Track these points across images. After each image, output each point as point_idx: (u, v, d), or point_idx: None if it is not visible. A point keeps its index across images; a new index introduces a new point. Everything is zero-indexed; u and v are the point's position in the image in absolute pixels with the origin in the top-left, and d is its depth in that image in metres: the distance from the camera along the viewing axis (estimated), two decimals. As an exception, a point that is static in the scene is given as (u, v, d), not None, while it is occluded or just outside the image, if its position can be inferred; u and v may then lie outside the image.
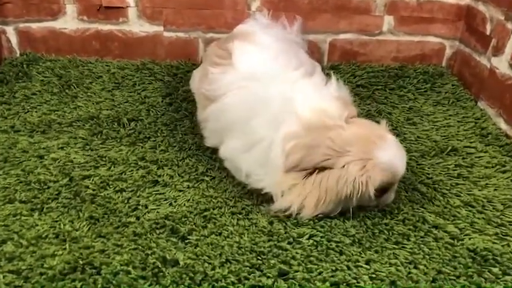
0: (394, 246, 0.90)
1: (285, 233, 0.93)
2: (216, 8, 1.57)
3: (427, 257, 0.87)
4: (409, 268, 0.84)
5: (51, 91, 1.42)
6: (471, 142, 1.28)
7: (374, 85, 1.54)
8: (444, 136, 1.31)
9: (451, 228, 0.95)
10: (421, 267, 0.84)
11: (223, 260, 0.84)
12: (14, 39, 1.57)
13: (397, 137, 1.26)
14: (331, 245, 0.89)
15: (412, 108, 1.45)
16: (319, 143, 0.92)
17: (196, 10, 1.57)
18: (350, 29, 1.63)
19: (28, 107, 1.34)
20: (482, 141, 1.28)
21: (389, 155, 0.93)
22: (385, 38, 1.65)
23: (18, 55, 1.57)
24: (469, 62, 1.56)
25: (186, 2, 1.56)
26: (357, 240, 0.91)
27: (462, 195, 1.07)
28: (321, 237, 0.91)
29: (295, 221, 0.96)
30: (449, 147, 1.24)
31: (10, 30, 1.55)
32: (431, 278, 0.82)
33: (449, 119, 1.40)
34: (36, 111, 1.32)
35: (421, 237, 0.93)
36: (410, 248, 0.89)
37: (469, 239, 0.92)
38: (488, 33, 1.46)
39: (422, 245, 0.90)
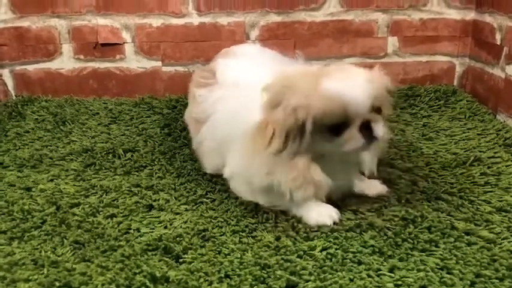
0: (420, 253, 0.78)
1: (294, 246, 0.81)
2: (214, 40, 1.53)
3: (461, 261, 0.75)
4: (441, 273, 0.72)
5: (45, 128, 1.36)
6: (495, 152, 1.17)
7: (383, 105, 1.46)
8: (465, 148, 1.20)
9: (485, 233, 0.84)
10: (455, 272, 0.72)
11: (222, 275, 0.73)
12: (10, 82, 1.54)
13: (413, 152, 1.19)
14: (347, 255, 0.77)
15: (427, 124, 1.35)
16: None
17: (194, 43, 1.54)
18: (353, 52, 1.58)
19: (19, 144, 1.27)
20: (508, 151, 1.18)
21: (334, 82, 0.81)
22: (391, 60, 1.59)
23: (13, 97, 1.54)
24: (482, 76, 1.48)
25: (183, 35, 1.53)
26: (377, 250, 0.79)
27: (493, 201, 0.95)
28: (336, 249, 0.80)
29: (305, 234, 0.85)
30: (472, 158, 1.13)
31: (6, 73, 1.53)
32: (469, 282, 0.69)
33: (468, 132, 1.30)
34: (27, 148, 1.26)
35: (451, 243, 0.80)
36: (441, 254, 0.77)
37: (508, 242, 0.80)
38: (498, 42, 1.39)
39: (453, 251, 0.78)
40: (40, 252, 0.83)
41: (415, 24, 1.55)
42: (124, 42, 1.53)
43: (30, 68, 1.53)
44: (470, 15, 1.53)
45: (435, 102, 1.48)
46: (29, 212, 0.95)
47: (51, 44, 1.52)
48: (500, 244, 0.80)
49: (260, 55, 1.16)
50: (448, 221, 0.88)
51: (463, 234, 0.83)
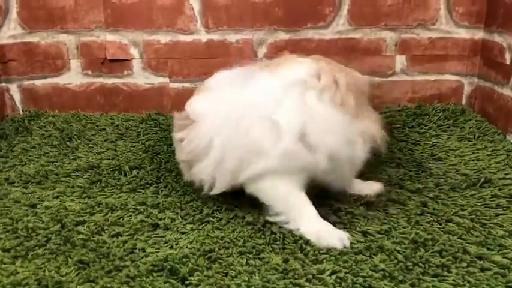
0: (432, 279, 0.76)
1: (303, 270, 0.79)
2: (222, 56, 1.53)
3: (475, 288, 0.73)
4: (455, 301, 0.70)
5: (51, 144, 1.35)
6: (506, 174, 1.15)
7: (392, 124, 1.44)
8: (475, 169, 1.19)
9: (498, 258, 0.81)
10: (470, 299, 0.70)
11: (229, 299, 0.71)
12: (17, 97, 1.54)
13: (422, 172, 1.17)
14: (357, 279, 0.76)
15: (436, 144, 1.34)
16: None
17: (202, 59, 1.54)
18: (361, 70, 1.55)
19: (25, 160, 1.27)
20: (519, 173, 1.16)
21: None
22: (399, 79, 1.58)
23: (20, 112, 1.54)
24: (491, 96, 1.47)
25: (191, 52, 1.53)
26: (387, 275, 0.77)
27: (505, 225, 0.93)
28: (345, 273, 0.78)
29: (314, 257, 0.83)
30: (482, 180, 1.11)
31: (14, 88, 1.53)
32: (483, 310, 0.67)
33: (478, 152, 1.28)
34: (33, 164, 1.25)
35: (464, 268, 0.78)
36: (453, 280, 0.75)
37: (523, 268, 0.78)
38: (508, 62, 1.38)
39: (466, 276, 0.76)
40: (44, 271, 0.81)
41: (423, 43, 1.54)
42: (132, 58, 1.53)
43: (38, 83, 1.53)
44: (479, 34, 1.53)
45: (444, 122, 1.46)
46: (33, 229, 0.94)
47: (59, 59, 1.52)
48: (515, 270, 0.78)
49: (228, 82, 1.07)
50: (460, 245, 0.86)
51: (475, 258, 0.81)
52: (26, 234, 0.93)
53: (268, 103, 0.94)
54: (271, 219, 0.96)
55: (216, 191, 1.00)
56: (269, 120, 0.92)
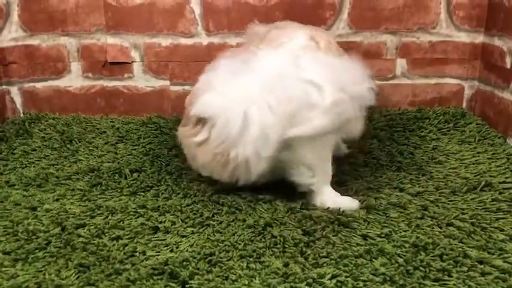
0: (433, 283, 0.76)
1: (303, 274, 0.79)
2: (223, 60, 1.53)
3: (476, 293, 0.73)
4: (455, 305, 0.70)
5: (52, 146, 1.35)
6: (506, 177, 1.15)
7: (392, 127, 1.45)
8: (475, 173, 1.18)
9: (499, 262, 0.81)
10: (470, 303, 0.70)
11: (230, 303, 0.71)
12: (18, 100, 1.54)
13: (422, 176, 1.17)
14: (358, 284, 0.75)
15: (436, 147, 1.34)
16: None
17: (203, 62, 1.53)
18: (362, 74, 1.57)
19: (26, 162, 1.27)
20: (519, 176, 1.16)
21: None
22: (400, 82, 1.58)
23: (21, 115, 1.54)
24: (492, 100, 1.47)
25: (192, 55, 1.53)
26: (388, 279, 0.77)
27: (506, 229, 0.93)
28: (346, 276, 0.78)
29: (314, 261, 0.83)
30: (483, 183, 1.11)
31: (14, 91, 1.53)
32: (483, 315, 0.67)
33: (478, 156, 1.28)
34: (34, 166, 1.25)
35: (465, 272, 0.78)
36: (454, 284, 0.75)
37: (523, 272, 0.78)
38: (508, 66, 1.38)
39: (467, 281, 0.76)
40: (44, 275, 0.81)
41: (424, 47, 1.55)
42: (133, 61, 1.53)
43: (39, 85, 1.54)
44: (480, 38, 1.53)
45: (444, 125, 1.46)
46: (33, 232, 0.94)
47: (60, 62, 1.52)
48: (515, 274, 0.78)
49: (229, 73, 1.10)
50: (461, 249, 0.85)
51: (476, 263, 0.81)
52: (26, 237, 0.92)
53: (289, 71, 1.00)
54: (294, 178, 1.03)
55: (256, 170, 1.01)
56: (304, 80, 0.98)
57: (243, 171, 1.02)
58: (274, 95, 0.98)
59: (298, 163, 1.02)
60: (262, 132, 0.98)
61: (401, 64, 1.57)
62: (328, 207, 1.02)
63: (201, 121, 1.06)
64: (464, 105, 1.60)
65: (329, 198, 1.04)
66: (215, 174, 1.08)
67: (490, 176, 1.16)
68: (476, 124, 1.46)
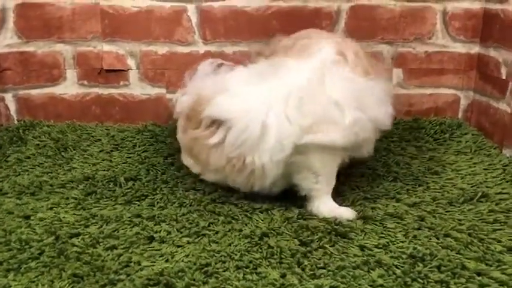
0: (431, 295, 0.75)
1: (300, 285, 0.78)
2: (219, 68, 1.53)
3: (474, 305, 0.72)
4: (454, 318, 0.69)
5: (46, 154, 1.34)
6: (503, 188, 1.15)
7: (389, 137, 1.45)
8: (471, 184, 1.19)
9: (497, 274, 0.81)
10: (469, 316, 0.69)
11: (226, 315, 0.70)
12: (12, 107, 1.53)
13: (419, 186, 1.17)
14: (355, 295, 0.75)
15: (433, 158, 1.34)
16: None
17: (199, 71, 1.53)
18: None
19: (20, 170, 1.25)
20: (515, 187, 1.16)
21: None
22: (396, 92, 1.58)
23: (15, 122, 1.52)
24: (487, 110, 1.47)
25: (188, 63, 1.52)
26: (386, 290, 0.76)
27: (503, 240, 0.93)
28: (343, 288, 0.77)
29: (311, 272, 0.82)
30: (479, 194, 1.11)
31: (9, 97, 1.52)
32: (483, 328, 0.66)
33: (474, 167, 1.28)
34: (27, 174, 1.23)
35: (463, 284, 0.78)
36: (452, 296, 0.75)
37: (521, 284, 0.77)
38: (504, 77, 1.38)
39: (465, 293, 0.75)
40: (37, 285, 0.80)
41: (420, 57, 1.55)
42: (129, 69, 1.52)
43: (34, 92, 1.52)
44: (475, 49, 1.54)
45: (440, 135, 1.47)
46: (26, 241, 0.92)
47: (55, 69, 1.51)
48: (513, 287, 0.78)
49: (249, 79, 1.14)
50: (458, 260, 0.85)
51: (474, 274, 0.81)
52: (19, 247, 0.91)
53: (313, 85, 1.01)
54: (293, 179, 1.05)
55: (271, 177, 1.03)
56: (327, 98, 1.00)
57: (259, 177, 1.04)
58: (295, 107, 1.00)
59: (305, 168, 1.03)
60: (278, 141, 1.00)
61: (397, 74, 1.57)
62: (324, 217, 1.02)
63: (215, 123, 1.07)
64: (460, 115, 1.60)
65: (327, 206, 1.05)
66: (229, 179, 1.09)
67: (487, 187, 1.16)
68: (472, 134, 1.47)
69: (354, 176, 1.23)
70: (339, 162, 1.06)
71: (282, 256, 0.88)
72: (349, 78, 1.03)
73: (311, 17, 1.51)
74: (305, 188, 1.05)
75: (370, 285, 0.78)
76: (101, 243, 0.93)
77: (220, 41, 1.52)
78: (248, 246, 0.91)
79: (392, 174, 1.23)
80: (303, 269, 0.84)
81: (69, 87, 1.53)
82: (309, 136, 0.99)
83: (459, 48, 1.54)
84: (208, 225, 1.00)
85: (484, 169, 1.27)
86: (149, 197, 1.12)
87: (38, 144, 1.39)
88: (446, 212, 1.05)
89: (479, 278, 0.80)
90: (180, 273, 0.82)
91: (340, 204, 1.07)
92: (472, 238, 0.93)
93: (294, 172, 1.05)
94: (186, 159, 1.23)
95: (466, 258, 0.86)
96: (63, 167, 1.28)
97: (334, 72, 1.03)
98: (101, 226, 0.99)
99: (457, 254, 0.88)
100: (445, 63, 1.56)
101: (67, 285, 0.80)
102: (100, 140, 1.44)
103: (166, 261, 0.87)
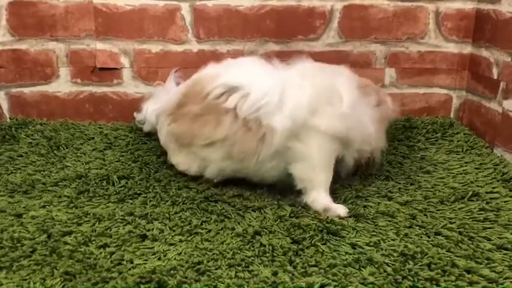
0: (422, 292, 0.76)
1: (292, 283, 0.79)
2: (213, 67, 1.53)
3: (463, 302, 0.73)
4: (443, 315, 0.70)
5: (39, 152, 1.34)
6: (493, 187, 1.16)
7: (381, 136, 1.45)
8: (462, 183, 1.19)
9: (487, 272, 0.82)
10: (458, 313, 0.70)
11: (218, 312, 0.70)
12: (4, 105, 1.52)
13: (411, 185, 1.18)
14: (346, 293, 0.75)
15: (424, 157, 1.35)
16: None
17: (192, 69, 1.53)
18: (351, 83, 1.58)
19: (12, 168, 1.25)
20: (506, 186, 1.17)
21: None
22: (388, 91, 1.59)
23: (8, 120, 1.52)
24: (479, 110, 1.49)
25: (182, 62, 1.53)
26: (377, 288, 0.77)
27: (493, 238, 0.94)
28: (335, 286, 0.78)
29: (303, 270, 0.83)
30: (470, 193, 1.12)
31: (1, 95, 1.51)
32: (472, 325, 0.67)
33: (466, 166, 1.29)
34: (20, 172, 1.23)
35: (453, 281, 0.79)
36: (442, 294, 0.75)
37: (511, 282, 0.78)
38: (495, 77, 1.40)
39: (455, 290, 0.76)
40: (29, 283, 0.80)
41: (412, 57, 1.56)
42: (122, 67, 1.52)
43: (27, 90, 1.52)
44: (468, 49, 1.55)
45: (432, 135, 1.47)
46: (18, 240, 0.92)
47: (48, 67, 1.51)
48: (503, 284, 0.78)
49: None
50: (449, 258, 0.86)
51: (464, 272, 0.82)
52: (11, 245, 0.91)
53: (325, 78, 1.13)
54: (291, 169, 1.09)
55: (276, 145, 1.08)
56: (334, 87, 1.11)
57: (268, 143, 1.08)
58: (308, 84, 1.10)
59: (303, 156, 1.07)
60: (293, 110, 1.07)
61: (390, 73, 1.58)
62: (318, 210, 1.05)
63: (224, 94, 1.13)
64: (452, 115, 1.61)
65: (321, 200, 1.06)
66: (237, 146, 1.11)
67: (477, 186, 1.17)
68: (464, 134, 1.48)
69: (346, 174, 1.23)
70: (336, 155, 1.09)
71: (274, 254, 0.88)
72: (356, 95, 1.12)
73: (305, 16, 1.52)
74: (302, 179, 1.08)
75: (361, 283, 0.79)
76: (93, 241, 0.93)
77: (213, 40, 1.53)
78: (240, 245, 0.92)
79: (385, 173, 1.24)
80: (294, 267, 0.84)
81: (62, 86, 1.52)
82: (313, 119, 1.06)
83: (452, 48, 1.55)
84: (201, 224, 1.00)
85: (476, 168, 1.28)
86: (142, 195, 1.13)
87: (31, 143, 1.39)
88: (437, 210, 1.06)
89: (469, 275, 0.81)
90: (172, 271, 0.82)
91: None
92: (462, 236, 0.94)
93: (292, 161, 1.08)
94: (176, 157, 1.23)
95: (456, 256, 0.87)
96: (55, 165, 1.28)
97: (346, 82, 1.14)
98: (94, 224, 0.99)
99: (447, 252, 0.88)
100: (437, 63, 1.57)
101: (59, 283, 0.80)
102: (93, 138, 1.44)
103: (159, 259, 0.88)
